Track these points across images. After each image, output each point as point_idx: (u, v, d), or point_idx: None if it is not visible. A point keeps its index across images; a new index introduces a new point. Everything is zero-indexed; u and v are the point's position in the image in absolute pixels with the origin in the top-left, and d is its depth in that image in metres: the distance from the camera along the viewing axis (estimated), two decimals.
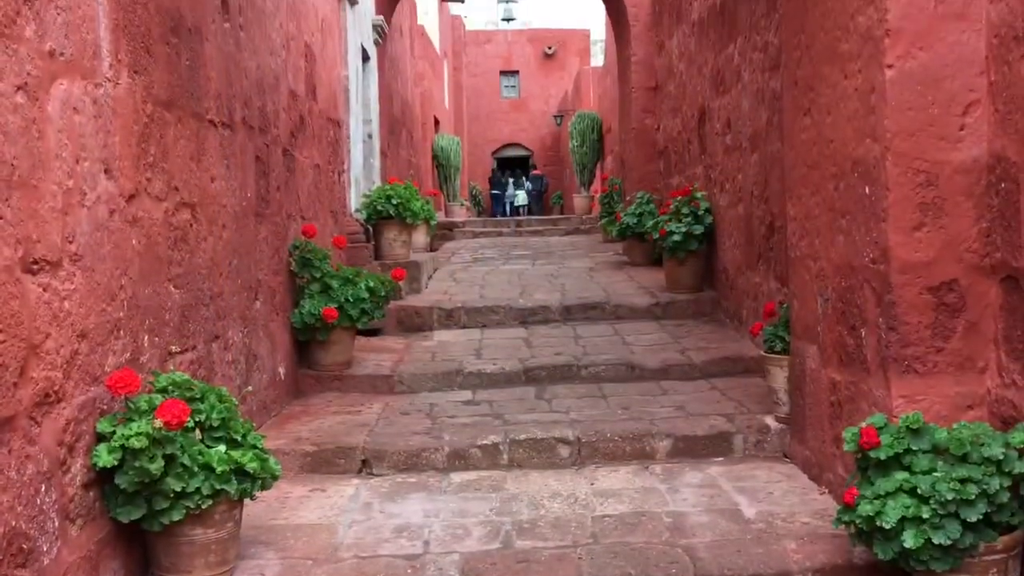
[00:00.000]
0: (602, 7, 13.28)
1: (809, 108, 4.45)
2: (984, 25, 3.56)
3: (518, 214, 28.53)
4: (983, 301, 3.61)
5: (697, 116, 8.90)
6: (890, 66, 3.63)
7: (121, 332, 3.47)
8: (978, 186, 3.60)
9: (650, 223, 9.51)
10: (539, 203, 30.47)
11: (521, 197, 30.03)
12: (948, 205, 3.62)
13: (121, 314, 3.48)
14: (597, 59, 30.09)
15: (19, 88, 2.77)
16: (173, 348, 4.01)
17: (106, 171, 3.39)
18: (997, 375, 3.56)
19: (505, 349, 7.30)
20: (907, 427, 3.30)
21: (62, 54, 3.06)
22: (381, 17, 11.46)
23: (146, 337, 3.73)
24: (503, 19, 37.40)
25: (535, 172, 32.12)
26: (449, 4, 25.59)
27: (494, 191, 31.77)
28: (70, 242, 3.07)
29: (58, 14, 3.03)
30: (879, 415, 3.48)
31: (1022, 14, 3.29)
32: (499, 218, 24.63)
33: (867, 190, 3.82)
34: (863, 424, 3.40)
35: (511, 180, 31.78)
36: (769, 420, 5.21)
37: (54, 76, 3.00)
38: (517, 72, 33.48)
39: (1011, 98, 3.38)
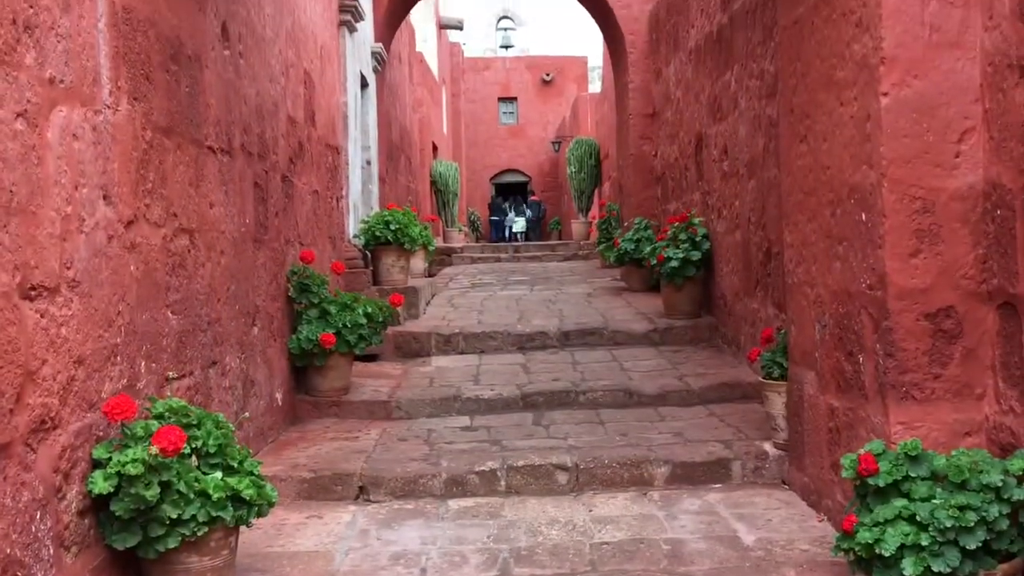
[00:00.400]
0: (599, 35, 13.38)
1: (805, 135, 4.47)
2: (978, 53, 3.59)
3: (516, 240, 28.60)
4: (980, 328, 3.61)
5: (694, 143, 8.94)
6: (885, 94, 3.65)
7: (118, 358, 3.47)
8: (974, 213, 3.61)
9: (648, 249, 9.52)
10: (536, 230, 30.56)
11: (519, 223, 30.13)
12: (944, 232, 3.63)
13: (118, 340, 3.47)
14: (595, 86, 30.24)
15: (19, 115, 2.78)
16: (170, 374, 4.00)
17: (105, 197, 3.40)
18: (995, 402, 3.56)
19: (503, 375, 7.29)
20: (905, 454, 3.30)
21: (62, 81, 3.07)
22: (380, 44, 11.53)
23: (143, 363, 3.73)
24: (501, 46, 37.65)
25: (533, 198, 32.21)
26: (448, 31, 25.76)
27: (494, 217, 31.85)
28: (68, 268, 3.08)
29: (58, 42, 3.05)
30: (877, 442, 3.47)
31: (1016, 42, 3.32)
32: (497, 244, 24.67)
33: (863, 217, 3.83)
34: (861, 451, 3.39)
35: (511, 206, 31.88)
36: (767, 446, 5.20)
37: (54, 103, 3.02)
38: (515, 99, 33.61)
39: (1006, 125, 3.40)
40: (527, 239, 28.83)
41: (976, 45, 3.60)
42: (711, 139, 8.20)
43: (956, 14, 3.61)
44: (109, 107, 3.45)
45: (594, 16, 12.55)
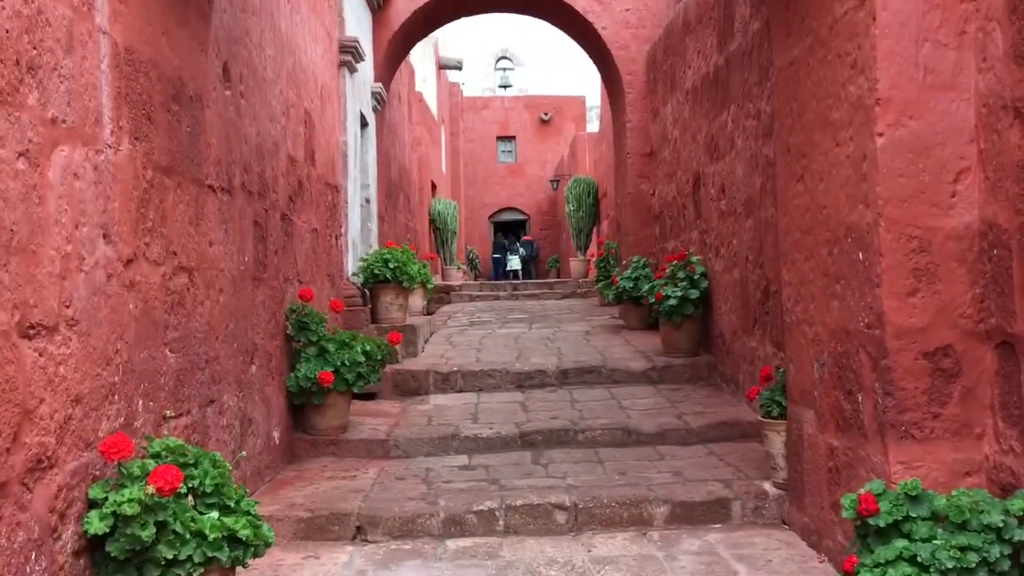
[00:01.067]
0: (598, 75, 13.49)
1: (802, 174, 4.50)
2: (973, 94, 3.63)
3: (511, 278, 28.77)
4: (979, 367, 3.61)
5: (692, 181, 8.98)
6: (881, 134, 3.68)
7: (116, 397, 3.46)
8: (971, 252, 3.63)
9: (646, 287, 9.54)
10: (530, 268, 30.73)
11: (515, 261, 30.31)
12: (941, 271, 3.64)
13: (116, 379, 3.47)
14: (593, 125, 30.46)
15: (20, 155, 2.80)
16: (168, 413, 3.99)
17: (105, 236, 3.41)
18: (995, 441, 3.55)
19: (501, 413, 7.27)
20: (906, 494, 3.28)
21: (64, 121, 3.10)
22: (380, 84, 11.64)
23: (141, 401, 3.72)
24: (500, 86, 37.97)
25: (526, 237, 32.39)
26: (447, 71, 25.97)
27: (495, 255, 32.02)
28: (67, 307, 3.08)
29: (61, 82, 3.08)
30: (877, 481, 3.46)
31: (1010, 84, 3.35)
32: (496, 282, 24.72)
33: (860, 256, 3.85)
34: (861, 491, 3.37)
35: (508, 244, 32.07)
36: (767, 486, 5.17)
37: (56, 143, 3.04)
38: (514, 137, 33.83)
39: (1001, 166, 3.42)
40: (523, 277, 28.99)
41: (970, 86, 3.63)
42: (709, 178, 8.25)
43: (950, 56, 3.65)
44: (110, 147, 3.48)
45: (592, 57, 12.67)
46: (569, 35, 12.64)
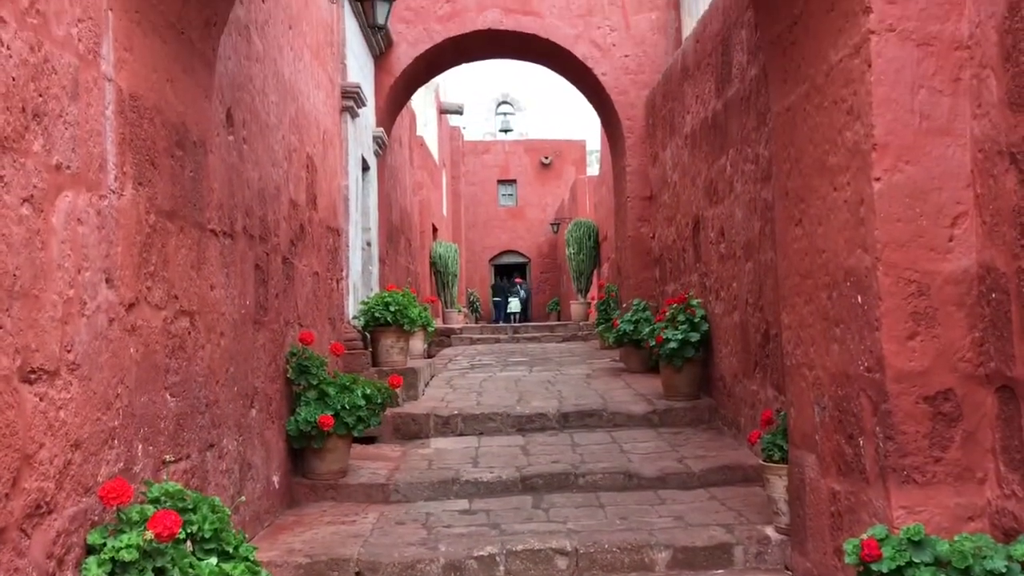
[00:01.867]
0: (598, 119, 13.62)
1: (800, 219, 4.53)
2: (968, 140, 3.66)
3: (510, 321, 28.96)
4: (979, 411, 3.61)
5: (691, 225, 9.03)
6: (878, 179, 3.71)
7: (115, 441, 3.45)
8: (969, 296, 3.64)
9: (646, 330, 9.55)
10: (524, 310, 31.06)
11: (514, 304, 30.48)
12: (940, 315, 3.65)
13: (116, 423, 3.46)
14: (593, 168, 30.66)
15: (25, 200, 2.82)
16: (167, 457, 3.98)
17: (107, 280, 3.42)
18: (997, 486, 3.53)
19: (502, 457, 7.24)
20: (908, 539, 3.26)
21: (68, 167, 3.13)
22: (381, 129, 11.74)
23: (140, 446, 3.71)
24: (501, 130, 38.27)
25: (516, 280, 32.57)
26: (448, 116, 26.19)
27: (496, 298, 32.12)
28: (68, 351, 3.09)
29: (66, 129, 3.11)
30: (880, 526, 3.44)
31: (1005, 130, 3.39)
32: (497, 325, 24.78)
33: (859, 299, 3.86)
34: (864, 536, 3.35)
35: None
36: (769, 531, 5.14)
37: (60, 188, 3.06)
38: (515, 181, 34.02)
39: (997, 210, 3.45)
40: (519, 319, 29.24)
41: (966, 132, 3.67)
42: (708, 222, 8.29)
43: (945, 102, 3.69)
44: (114, 192, 3.51)
45: (592, 102, 12.80)
46: (569, 80, 12.78)
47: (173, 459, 4.06)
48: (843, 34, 3.95)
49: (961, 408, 3.62)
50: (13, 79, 2.76)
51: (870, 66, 3.73)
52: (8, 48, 2.73)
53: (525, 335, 17.63)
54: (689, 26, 10.77)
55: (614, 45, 11.80)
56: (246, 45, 5.55)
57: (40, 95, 2.93)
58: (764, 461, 5.20)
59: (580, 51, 11.74)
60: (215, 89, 4.84)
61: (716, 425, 8.13)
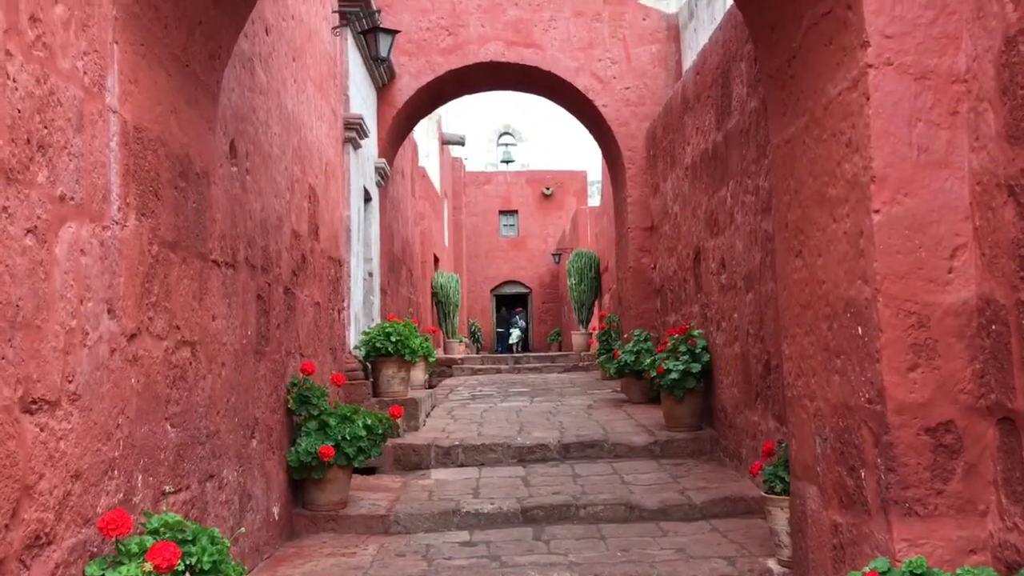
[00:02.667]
0: (599, 151, 13.69)
1: (800, 250, 4.54)
2: (967, 173, 3.68)
3: (511, 351, 29.05)
4: (981, 443, 3.60)
5: (692, 256, 9.05)
6: (877, 211, 3.73)
7: (115, 472, 3.45)
8: (969, 328, 3.64)
9: (647, 361, 9.54)
10: (524, 340, 31.20)
11: (514, 334, 30.57)
12: (941, 346, 3.65)
13: (116, 454, 3.46)
14: (594, 199, 30.75)
15: (28, 231, 2.84)
16: (167, 488, 3.97)
17: (109, 311, 3.44)
18: (999, 518, 3.52)
19: (503, 488, 7.21)
20: (911, 572, 3.24)
21: (72, 198, 3.15)
22: (383, 160, 11.80)
23: (140, 476, 3.70)
24: (502, 161, 38.44)
25: (516, 310, 32.79)
26: (450, 147, 26.34)
27: (499, 329, 32.23)
28: (70, 381, 3.09)
29: (70, 160, 3.14)
30: (882, 559, 3.42)
31: (1003, 162, 3.41)
32: (498, 355, 24.78)
33: (860, 331, 3.86)
34: (866, 569, 3.33)
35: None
36: (772, 563, 5.11)
37: (63, 219, 3.08)
38: (516, 211, 34.13)
39: (996, 243, 3.46)
40: (520, 349, 29.34)
41: (964, 165, 3.69)
42: (709, 252, 8.31)
43: (943, 135, 3.71)
44: (117, 223, 3.53)
45: (593, 133, 12.88)
46: (570, 112, 12.87)
47: (173, 490, 4.05)
48: (841, 68, 3.99)
49: (962, 440, 3.61)
50: (19, 111, 2.79)
51: (868, 99, 3.75)
52: (14, 81, 2.76)
53: (526, 365, 17.62)
54: (689, 59, 10.86)
55: (615, 77, 11.90)
56: (250, 77, 5.60)
57: (45, 127, 2.96)
58: (766, 493, 5.18)
59: (581, 83, 11.84)
60: (219, 121, 4.88)
61: (718, 456, 8.11)
